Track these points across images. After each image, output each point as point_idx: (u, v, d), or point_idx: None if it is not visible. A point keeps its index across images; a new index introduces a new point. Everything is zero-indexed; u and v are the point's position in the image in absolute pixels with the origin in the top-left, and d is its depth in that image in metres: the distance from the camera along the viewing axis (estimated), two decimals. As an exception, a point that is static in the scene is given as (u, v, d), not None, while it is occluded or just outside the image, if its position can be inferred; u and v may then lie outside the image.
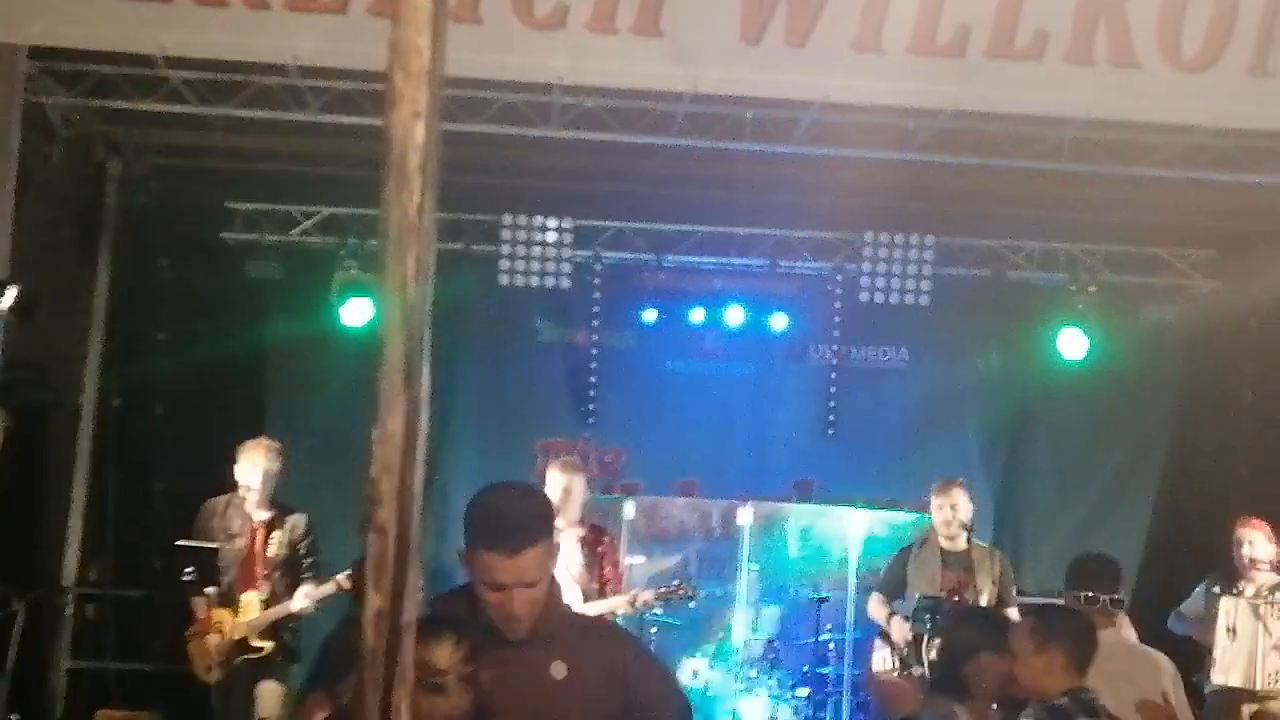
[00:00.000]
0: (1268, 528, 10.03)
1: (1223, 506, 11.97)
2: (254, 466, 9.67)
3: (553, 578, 4.19)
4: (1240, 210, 11.86)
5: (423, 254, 2.70)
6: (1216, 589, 9.88)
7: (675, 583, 10.12)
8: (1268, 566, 9.79)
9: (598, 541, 9.68)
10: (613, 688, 4.14)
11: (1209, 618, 9.66)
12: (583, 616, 4.28)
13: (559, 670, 4.04)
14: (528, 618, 4.05)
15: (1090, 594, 6.72)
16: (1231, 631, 9.44)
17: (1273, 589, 9.69)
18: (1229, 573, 9.93)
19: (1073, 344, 12.54)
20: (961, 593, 9.60)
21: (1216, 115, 9.55)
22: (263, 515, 9.78)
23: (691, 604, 10.15)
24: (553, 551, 4.13)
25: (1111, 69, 9.12)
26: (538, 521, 4.12)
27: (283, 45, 9.13)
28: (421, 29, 2.75)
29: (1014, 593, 10.09)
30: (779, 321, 13.01)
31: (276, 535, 9.79)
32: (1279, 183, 10.70)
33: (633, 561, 11.58)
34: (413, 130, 2.72)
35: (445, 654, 4.65)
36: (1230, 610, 9.50)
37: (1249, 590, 9.74)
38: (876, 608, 10.23)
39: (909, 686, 6.47)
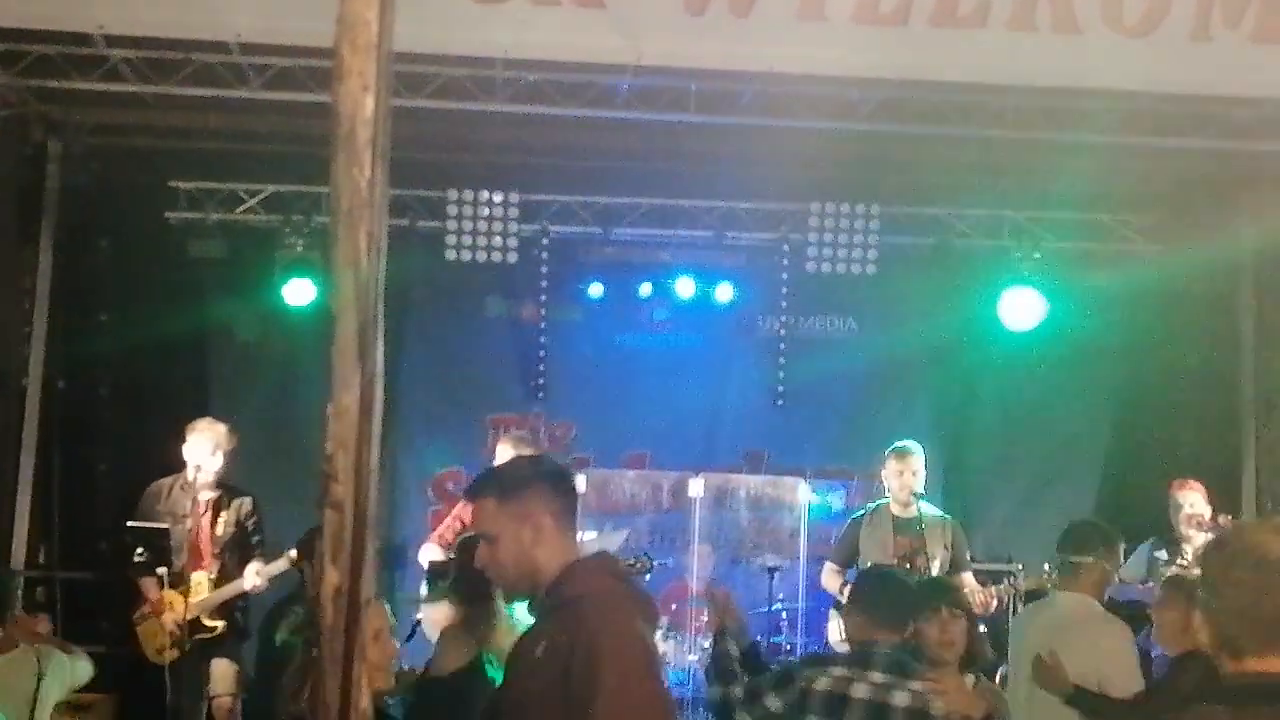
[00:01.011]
0: (1203, 488, 10.15)
1: (1168, 471, 12.05)
2: (202, 446, 9.68)
3: (576, 561, 4.18)
4: (1183, 175, 11.94)
5: (374, 229, 2.69)
6: (1161, 553, 9.97)
7: (631, 559, 10.15)
8: (1205, 526, 9.90)
9: None
10: (561, 682, 3.88)
11: (1154, 581, 9.75)
12: (604, 595, 4.14)
13: (540, 649, 4.00)
14: (488, 571, 4.24)
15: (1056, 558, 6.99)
16: None
17: None
18: (1170, 537, 10.03)
19: (1030, 307, 12.56)
20: (914, 559, 9.65)
21: (1159, 80, 9.61)
22: (209, 495, 9.79)
23: (647, 577, 10.19)
24: (522, 514, 4.11)
25: (1054, 35, 9.17)
26: (495, 477, 4.36)
27: (223, 22, 9.08)
28: (369, 2, 2.73)
29: (968, 558, 10.16)
30: (726, 293, 13.02)
31: (224, 515, 9.84)
32: (1221, 147, 10.76)
33: (584, 536, 11.58)
34: (362, 104, 2.70)
35: None
36: None
37: (1189, 552, 9.84)
38: (829, 578, 10.26)
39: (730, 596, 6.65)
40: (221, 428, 9.84)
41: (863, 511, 10.45)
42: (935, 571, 9.54)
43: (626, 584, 4.35)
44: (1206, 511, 9.97)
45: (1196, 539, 9.88)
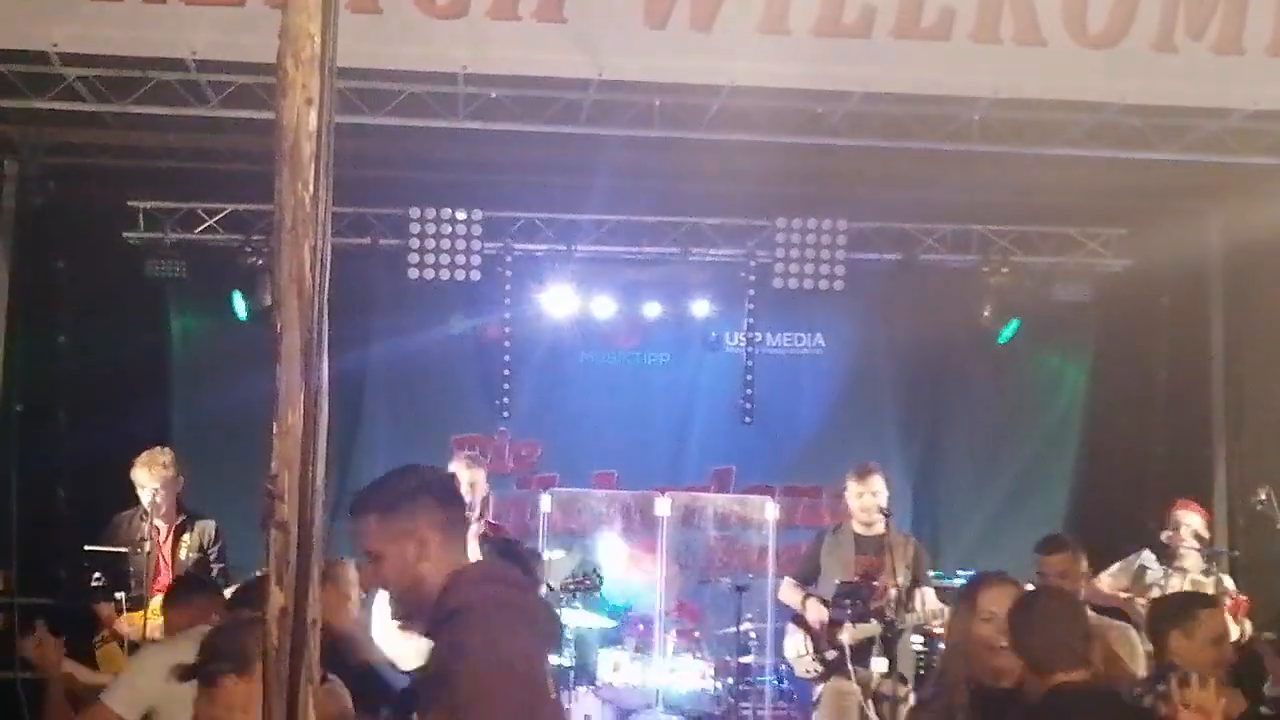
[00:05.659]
0: (1203, 510, 10.19)
1: (1139, 484, 12.04)
2: (149, 478, 9.59)
3: (459, 572, 4.10)
4: (1150, 188, 11.89)
5: (319, 244, 2.61)
6: (1153, 565, 9.93)
7: (580, 575, 10.18)
8: (1199, 548, 9.92)
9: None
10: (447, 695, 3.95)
11: (1136, 590, 9.73)
12: (486, 606, 4.06)
13: (430, 664, 4.08)
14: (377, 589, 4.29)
15: None
16: None
17: (1204, 572, 9.81)
18: (1166, 552, 10.01)
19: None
20: (876, 577, 9.58)
21: (1123, 91, 9.58)
22: (170, 521, 9.69)
23: (598, 594, 10.16)
24: (407, 530, 4.09)
25: (1018, 47, 9.12)
26: (376, 492, 4.28)
27: (180, 39, 8.95)
28: (312, 15, 2.66)
29: (929, 576, 10.10)
30: (693, 310, 12.96)
31: (186, 539, 9.78)
32: (1187, 159, 10.71)
33: (552, 556, 11.50)
34: (305, 118, 2.63)
35: None
36: None
37: (1188, 563, 9.87)
38: (789, 593, 10.21)
39: None
40: (161, 455, 9.71)
41: (826, 529, 10.41)
42: (896, 590, 9.45)
43: (518, 592, 4.23)
44: (1204, 534, 10.06)
45: (1189, 556, 9.90)
